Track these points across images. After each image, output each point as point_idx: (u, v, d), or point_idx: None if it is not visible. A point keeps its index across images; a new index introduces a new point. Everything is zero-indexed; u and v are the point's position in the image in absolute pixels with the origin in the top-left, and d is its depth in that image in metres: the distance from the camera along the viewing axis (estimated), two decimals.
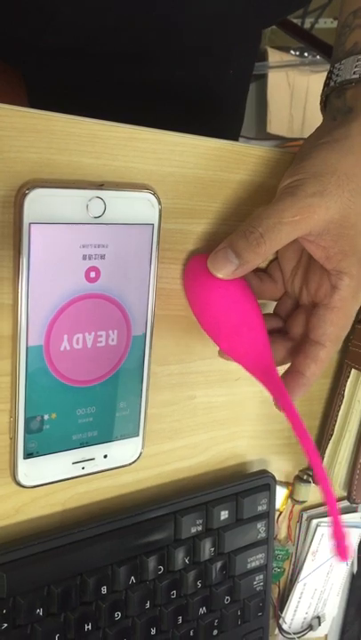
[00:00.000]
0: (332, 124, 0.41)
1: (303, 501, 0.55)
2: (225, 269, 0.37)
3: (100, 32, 0.52)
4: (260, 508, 0.49)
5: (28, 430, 0.37)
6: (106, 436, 0.40)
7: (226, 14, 0.56)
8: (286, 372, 0.41)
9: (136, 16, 0.51)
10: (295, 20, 1.41)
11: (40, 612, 0.38)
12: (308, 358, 0.40)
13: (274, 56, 1.48)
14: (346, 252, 0.38)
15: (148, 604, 0.43)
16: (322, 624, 0.60)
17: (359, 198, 0.37)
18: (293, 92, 1.47)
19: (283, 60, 1.49)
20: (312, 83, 1.47)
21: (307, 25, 1.52)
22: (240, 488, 0.48)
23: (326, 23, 1.54)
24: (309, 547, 0.56)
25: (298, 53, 1.52)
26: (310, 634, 0.59)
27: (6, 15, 0.50)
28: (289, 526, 0.56)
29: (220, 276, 0.38)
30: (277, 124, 1.45)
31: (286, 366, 0.42)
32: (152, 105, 0.58)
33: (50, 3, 0.48)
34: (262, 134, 1.45)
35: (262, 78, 1.47)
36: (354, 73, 0.41)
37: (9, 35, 0.54)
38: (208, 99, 0.63)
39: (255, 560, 0.49)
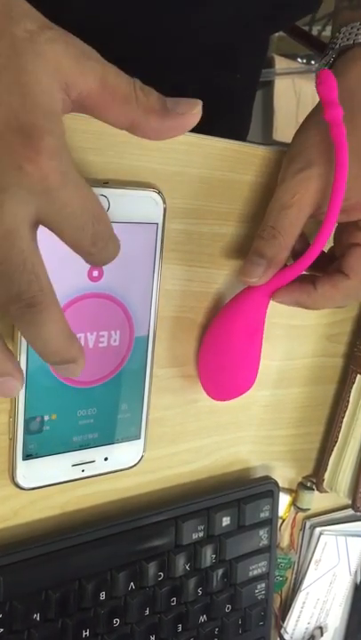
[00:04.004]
0: None
1: (307, 509, 0.54)
2: (255, 272, 0.38)
3: (109, 35, 0.52)
4: (262, 515, 0.48)
5: (27, 431, 0.36)
6: (107, 439, 0.39)
7: (234, 18, 0.56)
8: (303, 277, 0.40)
9: (144, 20, 0.51)
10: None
11: (37, 617, 0.38)
12: (329, 279, 0.40)
13: (280, 63, 1.48)
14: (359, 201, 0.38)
15: (147, 611, 0.42)
16: (324, 635, 0.59)
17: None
18: (300, 99, 1.47)
19: (289, 68, 1.49)
20: None
21: (314, 33, 1.52)
22: (243, 494, 0.47)
23: None
24: (312, 555, 0.55)
25: (305, 61, 1.53)
26: None
27: None
28: (292, 534, 0.55)
29: (253, 280, 0.39)
30: (284, 130, 1.45)
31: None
32: None
33: (60, 5, 0.48)
34: (268, 141, 1.45)
35: (269, 85, 1.47)
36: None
37: None
38: (215, 102, 0.63)
39: (257, 568, 0.48)
